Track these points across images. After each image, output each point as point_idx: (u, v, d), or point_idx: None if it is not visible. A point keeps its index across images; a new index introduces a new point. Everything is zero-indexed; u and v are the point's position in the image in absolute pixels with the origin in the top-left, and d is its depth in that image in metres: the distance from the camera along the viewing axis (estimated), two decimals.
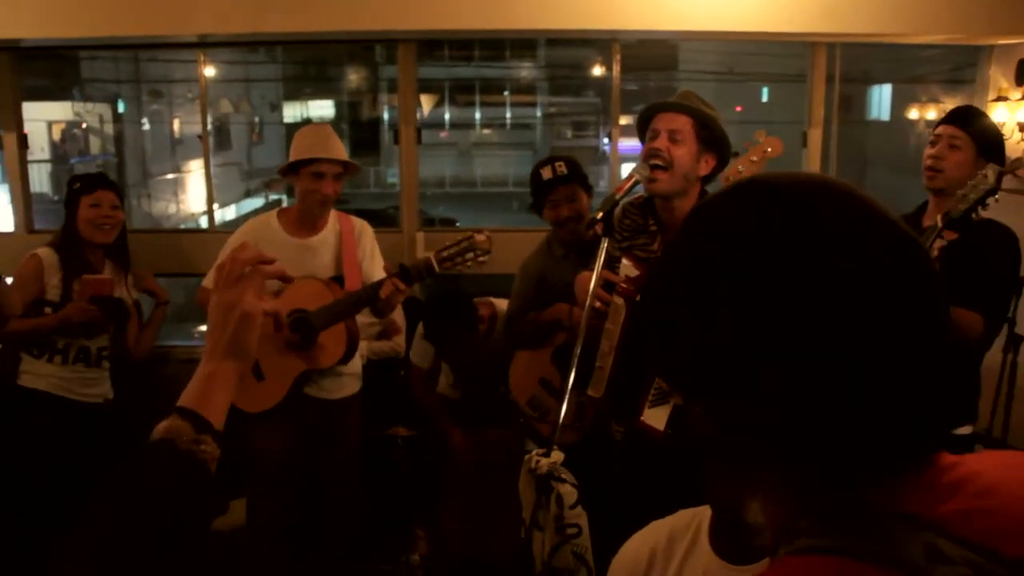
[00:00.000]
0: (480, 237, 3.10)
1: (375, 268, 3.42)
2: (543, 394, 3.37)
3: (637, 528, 1.77)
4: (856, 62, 12.00)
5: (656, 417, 2.46)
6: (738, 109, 16.41)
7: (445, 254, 3.11)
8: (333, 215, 3.42)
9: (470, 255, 3.10)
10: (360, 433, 3.70)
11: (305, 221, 3.35)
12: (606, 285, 2.50)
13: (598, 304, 2.47)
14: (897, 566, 0.67)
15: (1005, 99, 4.89)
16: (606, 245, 2.44)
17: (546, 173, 3.38)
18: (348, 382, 3.48)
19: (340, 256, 3.33)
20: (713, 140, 2.54)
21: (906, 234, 0.75)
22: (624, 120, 5.26)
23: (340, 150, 3.29)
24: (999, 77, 5.08)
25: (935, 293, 0.74)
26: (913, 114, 11.97)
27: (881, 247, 0.73)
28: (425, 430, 3.94)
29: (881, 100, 14.88)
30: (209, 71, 5.10)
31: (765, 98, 16.97)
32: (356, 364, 3.49)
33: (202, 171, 5.14)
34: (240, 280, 1.16)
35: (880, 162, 13.17)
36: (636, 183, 2.46)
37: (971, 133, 2.79)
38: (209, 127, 5.06)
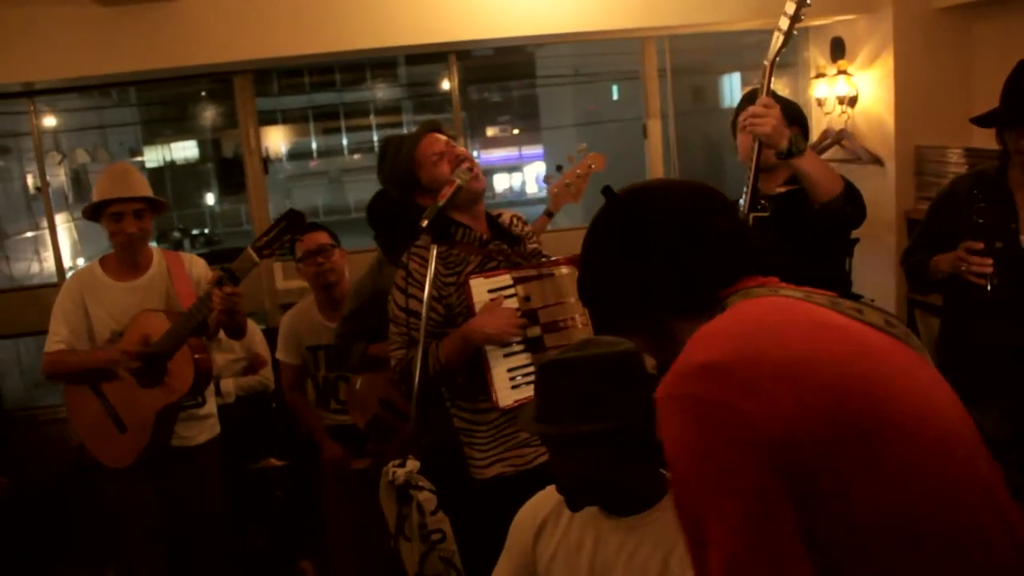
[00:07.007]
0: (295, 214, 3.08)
1: None
2: (384, 415, 3.34)
3: (498, 525, 1.92)
4: (699, 55, 12.42)
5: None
6: (590, 108, 16.90)
7: (262, 241, 3.03)
8: (158, 253, 3.33)
9: (287, 236, 3.05)
10: (232, 471, 3.60)
11: (125, 263, 3.25)
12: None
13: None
14: None
15: (823, 75, 5.17)
16: (435, 252, 2.50)
17: None
18: (208, 425, 3.37)
19: (173, 291, 3.24)
20: None
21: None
22: (491, 131, 5.33)
23: (137, 187, 3.19)
24: (817, 56, 5.37)
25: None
26: None
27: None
28: (298, 457, 3.88)
29: (732, 89, 15.46)
30: (49, 120, 4.93)
31: (616, 96, 17.43)
32: (212, 406, 3.40)
33: (66, 225, 4.93)
34: None
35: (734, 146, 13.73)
36: (458, 188, 2.51)
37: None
38: (64, 178, 4.89)
